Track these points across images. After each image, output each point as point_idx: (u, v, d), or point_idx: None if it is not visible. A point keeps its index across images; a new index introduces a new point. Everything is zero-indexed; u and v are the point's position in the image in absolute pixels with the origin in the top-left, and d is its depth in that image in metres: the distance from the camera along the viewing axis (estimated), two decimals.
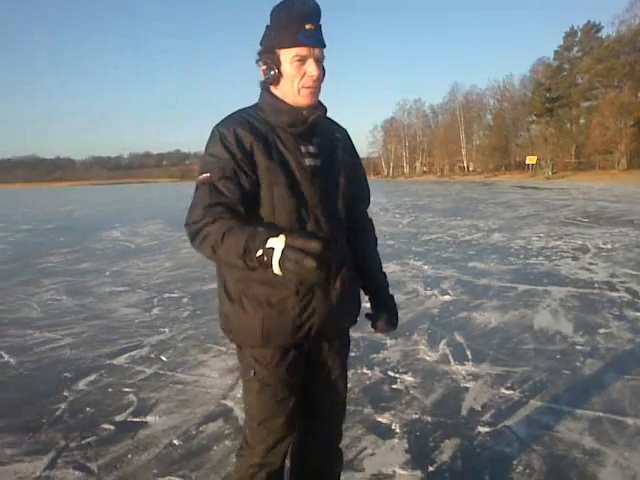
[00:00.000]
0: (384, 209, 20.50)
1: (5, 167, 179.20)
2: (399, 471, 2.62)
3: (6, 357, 4.42)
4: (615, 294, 6.02)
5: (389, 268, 7.98)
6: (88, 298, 6.60)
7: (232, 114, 1.70)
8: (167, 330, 5.05)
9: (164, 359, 4.26)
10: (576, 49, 61.39)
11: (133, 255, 10.19)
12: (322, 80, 1.67)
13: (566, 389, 3.54)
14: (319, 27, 1.62)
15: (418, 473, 2.60)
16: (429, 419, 3.16)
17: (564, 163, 57.08)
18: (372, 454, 2.79)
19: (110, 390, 3.68)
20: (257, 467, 1.80)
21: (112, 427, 3.14)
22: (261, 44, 1.67)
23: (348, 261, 1.79)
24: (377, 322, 1.95)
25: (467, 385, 3.62)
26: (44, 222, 19.41)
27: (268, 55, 1.63)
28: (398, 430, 3.03)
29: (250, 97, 1.79)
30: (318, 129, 1.73)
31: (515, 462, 2.67)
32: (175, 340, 4.72)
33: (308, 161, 1.67)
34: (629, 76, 49.98)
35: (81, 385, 3.78)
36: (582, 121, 59.83)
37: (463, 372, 3.85)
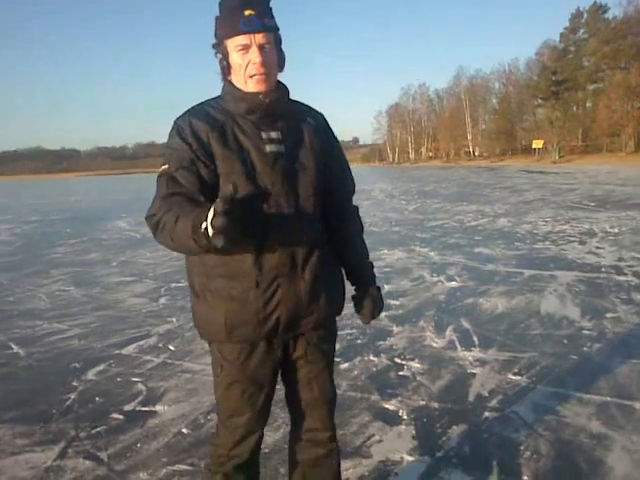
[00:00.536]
0: (390, 195, 20.46)
1: (11, 158, 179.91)
2: (406, 457, 2.63)
3: (15, 348, 4.46)
4: (622, 278, 5.99)
5: (395, 255, 7.99)
6: (96, 288, 6.63)
7: (194, 106, 1.68)
8: (174, 319, 5.07)
9: (172, 348, 4.28)
10: (582, 31, 60.84)
11: (140, 245, 10.22)
12: (275, 64, 1.62)
13: (573, 374, 3.54)
14: (263, 11, 1.57)
15: (425, 459, 2.61)
16: (436, 405, 3.17)
17: (571, 146, 56.76)
18: (379, 441, 2.80)
19: (119, 380, 3.71)
20: (225, 458, 1.79)
21: (121, 416, 3.16)
22: (215, 35, 1.64)
23: (322, 250, 1.70)
24: (359, 311, 1.93)
25: (474, 371, 3.63)
26: (51, 213, 19.49)
27: (218, 46, 1.62)
28: (405, 417, 3.04)
29: None
30: (282, 114, 1.67)
31: (522, 447, 2.68)
32: (183, 329, 4.74)
33: (269, 147, 1.61)
34: (636, 57, 49.50)
35: (90, 375, 3.81)
36: (588, 104, 59.45)
37: (470, 358, 3.85)
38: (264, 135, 1.62)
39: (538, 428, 2.85)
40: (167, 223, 1.44)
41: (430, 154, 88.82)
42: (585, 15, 60.44)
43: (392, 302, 5.38)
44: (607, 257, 7.19)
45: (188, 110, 1.66)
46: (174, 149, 1.59)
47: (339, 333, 4.38)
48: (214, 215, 1.19)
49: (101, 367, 3.95)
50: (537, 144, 55.95)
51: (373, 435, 2.86)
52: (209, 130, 1.58)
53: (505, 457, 2.61)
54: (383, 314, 4.93)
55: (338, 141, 1.87)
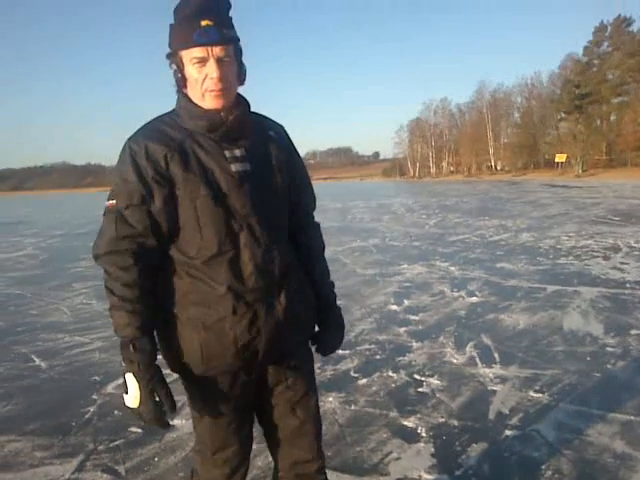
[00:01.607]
0: (410, 210, 20.40)
1: (38, 174, 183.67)
2: (425, 476, 2.59)
3: (37, 361, 4.52)
4: None
5: (415, 269, 7.94)
6: None
7: (147, 123, 1.54)
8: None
9: None
10: (606, 44, 60.33)
11: None
12: (235, 78, 1.51)
13: (596, 392, 3.46)
14: (221, 21, 1.44)
15: (444, 478, 2.57)
16: (456, 423, 3.12)
17: (594, 161, 56.08)
18: (398, 458, 2.77)
19: None
20: None
21: (140, 430, 3.17)
22: (169, 45, 1.50)
23: (295, 270, 1.63)
24: (318, 344, 1.77)
25: (495, 388, 3.57)
26: (76, 227, 19.80)
27: (173, 57, 1.48)
28: (424, 434, 3.00)
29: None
30: (245, 129, 1.55)
31: (544, 467, 2.62)
32: None
33: (235, 166, 1.49)
34: None
35: (110, 388, 3.84)
36: (613, 118, 58.74)
37: (491, 375, 3.80)
38: (227, 153, 1.50)
39: (560, 447, 2.79)
40: (112, 291, 1.49)
41: (451, 168, 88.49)
42: (609, 28, 60.00)
43: (412, 317, 5.34)
44: (632, 273, 7.05)
45: (141, 129, 1.52)
46: (124, 180, 1.47)
47: (357, 348, 4.43)
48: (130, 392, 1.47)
49: (121, 380, 3.93)
50: (560, 158, 55.39)
51: (391, 452, 2.82)
52: (167, 152, 1.45)
53: (526, 476, 2.56)
54: (402, 329, 4.92)
55: (298, 154, 1.75)
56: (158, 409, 1.48)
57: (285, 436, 1.73)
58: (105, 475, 2.70)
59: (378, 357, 4.25)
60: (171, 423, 3.23)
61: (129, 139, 1.50)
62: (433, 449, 2.84)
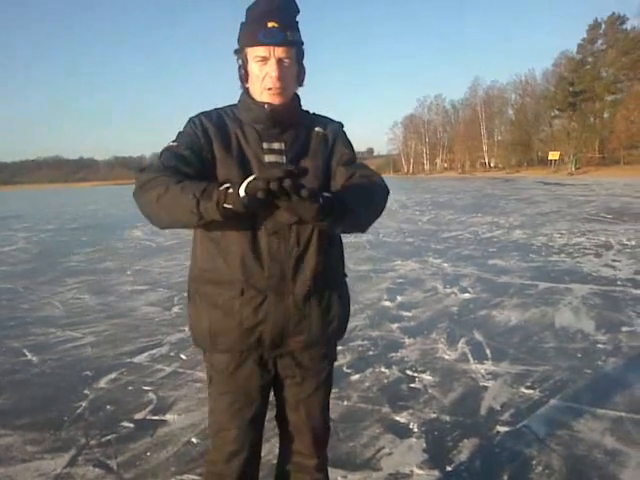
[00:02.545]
0: (404, 206, 20.41)
1: (30, 168, 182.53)
2: (417, 471, 2.60)
3: (29, 355, 4.50)
4: (638, 291, 5.91)
5: (408, 266, 7.96)
6: (110, 297, 6.68)
7: (211, 109, 1.68)
8: (187, 329, 5.07)
9: (184, 357, 4.29)
10: (600, 42, 60.57)
11: (154, 254, 10.29)
12: (293, 79, 1.60)
13: (587, 388, 3.49)
14: (287, 24, 1.53)
15: (436, 473, 2.59)
16: (447, 418, 3.13)
17: (587, 158, 56.34)
18: (390, 453, 2.78)
19: (130, 388, 3.72)
20: (216, 477, 1.76)
21: (132, 425, 3.17)
22: (237, 41, 1.61)
23: (319, 267, 1.61)
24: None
25: (486, 384, 3.59)
26: (68, 222, 19.70)
27: (239, 52, 1.60)
28: (416, 429, 3.01)
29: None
30: (290, 125, 1.63)
31: (534, 462, 2.64)
32: None
33: (268, 157, 1.59)
34: None
35: (102, 383, 3.83)
36: (606, 115, 59.03)
37: (482, 371, 3.81)
38: (265, 145, 1.60)
39: (551, 443, 2.81)
40: (163, 182, 1.41)
41: (445, 165, 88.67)
42: (603, 26, 60.20)
43: (405, 314, 5.35)
44: (623, 270, 7.09)
45: (203, 112, 1.67)
46: (186, 134, 1.59)
47: (350, 344, 4.42)
48: (251, 182, 1.23)
49: (113, 375, 3.97)
50: (553, 155, 55.57)
51: (383, 448, 2.83)
52: (216, 133, 1.59)
53: (517, 472, 2.57)
54: (395, 325, 4.93)
55: (351, 147, 1.75)
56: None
57: (288, 428, 1.80)
58: (97, 470, 2.70)
59: (371, 353, 4.26)
60: (163, 418, 3.24)
61: (193, 116, 1.65)
62: (425, 444, 2.85)
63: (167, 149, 1.57)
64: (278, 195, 1.19)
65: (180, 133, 1.62)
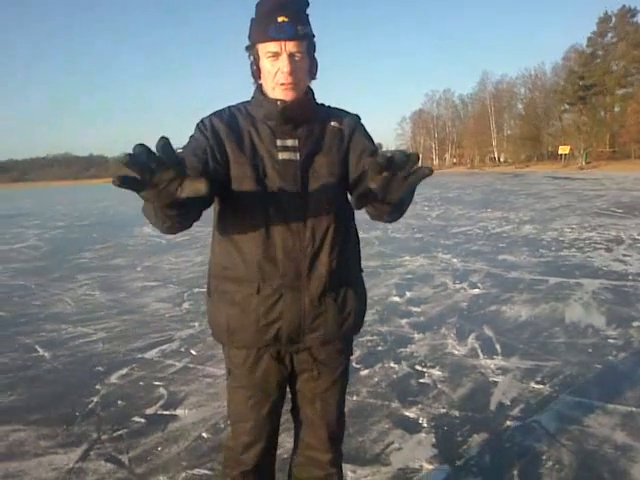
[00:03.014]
0: (412, 202, 20.33)
1: (40, 165, 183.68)
2: (426, 465, 2.61)
3: (41, 351, 4.55)
4: None
5: (417, 261, 7.96)
6: (120, 293, 6.72)
7: (224, 107, 1.68)
8: (197, 324, 5.11)
9: (194, 353, 4.32)
10: (610, 35, 59.93)
11: (164, 250, 10.34)
12: (305, 73, 1.58)
13: (597, 383, 3.48)
14: (297, 18, 1.51)
15: (445, 468, 2.59)
16: (457, 413, 3.14)
17: (598, 152, 55.87)
18: (399, 448, 2.79)
19: (141, 384, 3.75)
20: (234, 462, 1.79)
21: (143, 420, 3.20)
22: (248, 37, 1.60)
23: (335, 262, 1.61)
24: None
25: (496, 379, 3.59)
26: (78, 219, 19.83)
27: (251, 49, 1.58)
28: (425, 424, 3.02)
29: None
30: (303, 120, 1.61)
31: (544, 457, 2.64)
32: (205, 334, 4.77)
33: (282, 155, 1.57)
34: None
35: (113, 379, 3.86)
36: (617, 109, 58.50)
37: (492, 366, 3.81)
38: (279, 142, 1.58)
39: (561, 438, 2.81)
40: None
41: (454, 160, 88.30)
42: (613, 19, 59.57)
43: (414, 309, 5.35)
44: (634, 265, 7.05)
45: (215, 112, 1.66)
46: (194, 139, 1.59)
47: (360, 340, 4.43)
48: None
49: (124, 371, 4.00)
50: (563, 150, 55.17)
51: (393, 443, 2.84)
52: (228, 132, 1.58)
53: (526, 467, 2.57)
54: (404, 320, 4.93)
55: (369, 137, 1.71)
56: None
57: (304, 421, 1.81)
58: (108, 464, 2.73)
59: (380, 348, 4.27)
60: (174, 413, 3.26)
61: (205, 117, 1.64)
62: (434, 439, 2.86)
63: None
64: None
65: (190, 138, 1.61)
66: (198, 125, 1.62)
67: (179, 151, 1.54)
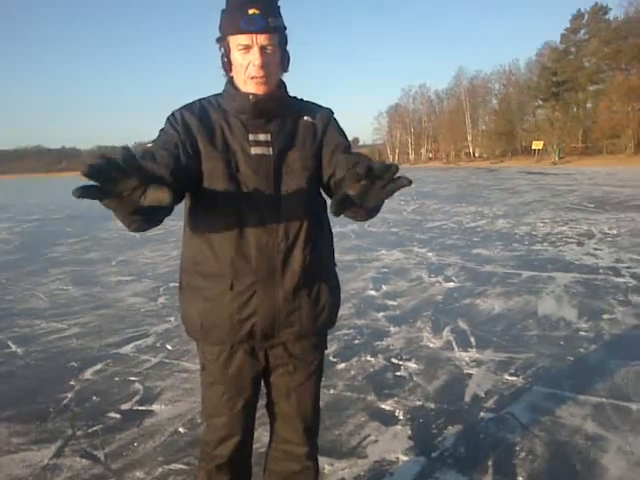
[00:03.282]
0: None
1: (11, 157, 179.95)
2: (402, 457, 2.64)
3: (14, 347, 4.47)
4: (620, 280, 6.00)
5: (393, 255, 8.01)
6: (95, 288, 6.64)
7: (195, 100, 1.65)
8: (173, 319, 5.08)
9: (169, 348, 4.29)
10: (583, 32, 60.78)
11: (139, 244, 10.22)
12: (278, 66, 1.56)
13: (569, 375, 3.55)
14: (268, 10, 1.49)
15: (421, 459, 2.62)
16: (432, 406, 3.18)
17: (571, 148, 56.72)
18: (375, 441, 2.81)
19: (116, 379, 3.72)
20: (208, 456, 1.79)
21: (118, 415, 3.17)
22: (219, 29, 1.57)
23: (308, 258, 1.60)
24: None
25: (470, 372, 3.64)
26: (51, 212, 19.49)
27: (222, 41, 1.55)
28: (401, 417, 3.05)
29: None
30: (276, 114, 1.60)
31: (518, 448, 2.69)
32: (180, 329, 4.72)
33: (255, 150, 1.56)
34: (637, 59, 49.50)
35: (88, 374, 3.82)
36: (589, 105, 59.43)
37: (467, 359, 3.86)
38: (251, 137, 1.57)
39: (534, 429, 2.86)
40: None
41: (430, 155, 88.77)
42: (586, 16, 60.38)
43: (390, 302, 5.39)
44: (605, 259, 7.20)
45: (186, 104, 1.63)
46: (164, 132, 1.57)
47: (336, 333, 4.44)
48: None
49: (99, 366, 3.96)
50: (537, 145, 55.86)
51: (369, 435, 2.87)
52: (199, 126, 1.56)
53: (500, 458, 2.62)
54: (380, 314, 4.96)
55: (343, 135, 1.70)
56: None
57: (279, 415, 1.81)
58: (84, 460, 2.70)
59: (357, 342, 4.29)
60: (150, 409, 3.24)
61: (174, 110, 1.62)
62: (410, 431, 2.89)
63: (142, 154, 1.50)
64: None
65: (160, 131, 1.59)
66: (169, 118, 1.59)
67: (149, 145, 1.54)
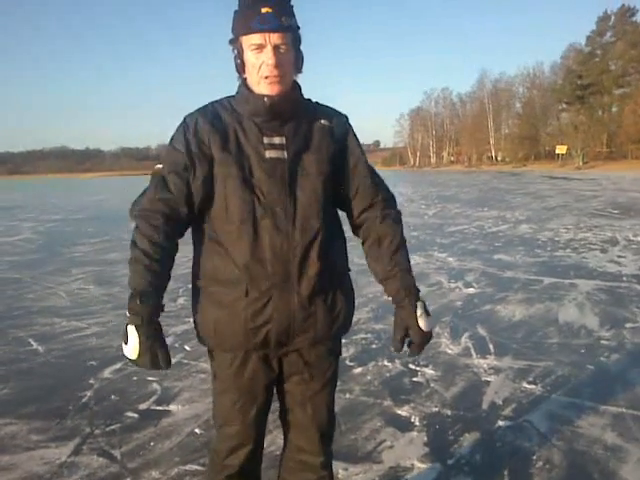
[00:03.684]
0: (409, 200, 20.37)
1: (37, 157, 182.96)
2: (417, 464, 2.62)
3: (35, 345, 4.54)
4: None
5: (413, 260, 7.89)
6: (115, 287, 6.71)
7: (208, 104, 1.64)
8: (191, 320, 5.08)
9: (188, 348, 4.32)
10: (609, 34, 60.02)
11: None
12: (291, 66, 1.55)
13: (589, 384, 3.49)
14: (281, 9, 1.48)
15: (437, 466, 2.60)
16: (449, 412, 3.15)
17: (595, 152, 56.00)
18: (391, 447, 2.79)
19: (135, 379, 3.75)
20: (219, 466, 1.76)
21: (136, 415, 3.20)
22: (231, 30, 1.56)
23: (323, 263, 1.57)
24: (406, 344, 1.73)
25: (488, 379, 3.60)
26: (74, 212, 19.77)
27: (234, 42, 1.54)
28: (417, 423, 3.03)
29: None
30: (291, 116, 1.58)
31: (535, 457, 2.65)
32: None
33: (269, 153, 1.54)
34: None
35: (106, 373, 3.86)
36: (614, 109, 58.63)
37: (485, 366, 3.82)
38: (266, 140, 1.55)
39: (552, 438, 2.82)
40: (136, 240, 1.59)
41: (452, 158, 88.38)
42: (612, 18, 59.64)
43: None
44: (629, 266, 7.08)
45: (199, 108, 1.62)
46: (174, 149, 1.58)
47: (353, 337, 4.43)
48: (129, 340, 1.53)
49: (118, 365, 3.99)
50: (561, 149, 55.26)
51: (385, 441, 2.85)
52: (212, 132, 1.55)
53: (517, 466, 2.58)
54: None
55: (359, 145, 1.72)
56: (155, 362, 1.54)
57: (294, 424, 1.77)
58: (101, 459, 2.72)
59: (374, 346, 4.27)
60: (167, 409, 3.27)
61: (187, 115, 1.61)
62: (426, 438, 2.87)
63: (154, 176, 1.61)
64: None
65: (171, 144, 1.60)
66: (183, 127, 1.59)
67: (158, 167, 1.61)
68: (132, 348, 1.53)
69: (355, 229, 1.76)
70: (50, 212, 20.21)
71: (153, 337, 1.54)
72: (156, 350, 1.54)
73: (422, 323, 1.64)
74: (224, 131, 1.55)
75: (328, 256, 1.60)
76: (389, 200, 1.75)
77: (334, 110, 1.72)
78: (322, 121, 1.63)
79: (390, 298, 1.72)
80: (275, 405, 1.81)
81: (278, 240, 1.52)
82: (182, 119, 1.61)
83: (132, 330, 1.52)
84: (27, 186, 64.44)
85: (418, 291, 1.70)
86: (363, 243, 1.75)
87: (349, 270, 1.78)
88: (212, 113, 1.59)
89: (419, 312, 1.64)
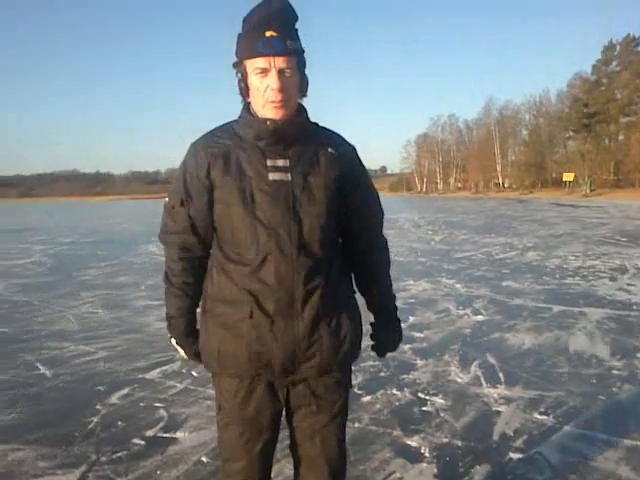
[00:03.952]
0: (416, 225, 20.38)
1: (48, 181, 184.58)
2: None
3: (42, 369, 4.53)
4: None
5: (420, 286, 7.94)
6: (124, 311, 6.72)
7: (212, 129, 1.64)
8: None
9: (195, 374, 4.30)
10: (615, 63, 60.49)
11: None
12: (296, 90, 1.53)
13: (602, 415, 3.45)
14: (286, 33, 1.46)
15: None
16: (459, 443, 3.11)
17: (602, 180, 55.99)
18: (400, 478, 2.76)
19: (142, 404, 3.73)
20: None
21: (143, 442, 3.18)
22: (235, 53, 1.55)
23: (328, 287, 1.57)
24: (375, 346, 1.85)
25: (499, 409, 3.56)
26: (84, 235, 19.87)
27: (238, 65, 1.53)
28: (427, 454, 2.99)
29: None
30: (295, 140, 1.56)
31: None
32: None
33: (272, 175, 1.52)
34: None
35: (114, 399, 3.84)
36: (621, 137, 58.75)
37: (495, 395, 3.78)
38: (269, 162, 1.53)
39: (564, 471, 2.78)
40: (166, 275, 1.76)
41: (459, 185, 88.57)
42: (618, 47, 60.19)
43: (416, 335, 5.33)
44: (639, 294, 7.02)
45: (203, 135, 1.63)
46: (177, 182, 1.65)
47: (362, 365, 4.41)
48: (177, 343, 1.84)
49: (125, 391, 3.98)
50: (568, 177, 55.31)
51: (394, 472, 2.81)
52: (211, 160, 1.55)
53: None
54: (407, 346, 4.91)
55: (366, 175, 1.73)
56: (198, 359, 1.78)
57: (304, 459, 1.74)
58: None
59: (382, 374, 4.24)
60: (174, 436, 3.24)
61: (193, 142, 1.64)
62: (436, 469, 2.83)
63: (164, 209, 1.72)
64: None
65: (175, 178, 1.67)
66: (185, 159, 1.64)
67: (166, 201, 1.72)
68: (182, 354, 1.87)
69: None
70: (61, 235, 20.30)
71: (189, 346, 1.79)
72: (193, 353, 1.80)
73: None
74: (226, 156, 1.55)
75: (332, 280, 1.59)
76: (381, 225, 1.82)
77: (342, 138, 1.70)
78: (329, 149, 1.61)
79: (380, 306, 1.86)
80: (283, 436, 1.79)
81: (283, 264, 1.50)
82: (188, 148, 1.64)
83: (174, 343, 1.83)
84: (38, 209, 64.94)
85: (396, 309, 1.88)
86: (358, 264, 1.79)
87: (354, 292, 1.76)
88: (213, 140, 1.60)
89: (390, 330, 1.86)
